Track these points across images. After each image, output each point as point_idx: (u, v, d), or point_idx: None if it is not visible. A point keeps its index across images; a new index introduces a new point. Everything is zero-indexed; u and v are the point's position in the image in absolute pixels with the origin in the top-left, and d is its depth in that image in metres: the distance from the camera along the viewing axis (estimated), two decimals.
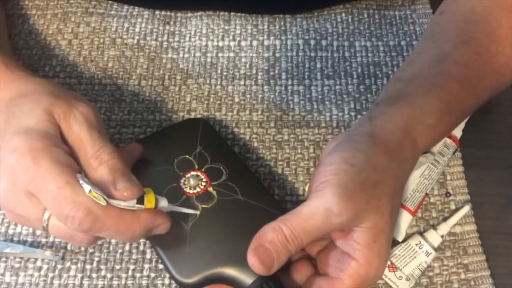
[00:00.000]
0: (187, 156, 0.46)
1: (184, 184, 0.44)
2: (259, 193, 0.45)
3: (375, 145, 0.40)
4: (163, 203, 0.39)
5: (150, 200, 0.38)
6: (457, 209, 0.48)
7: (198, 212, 0.42)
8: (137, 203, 0.37)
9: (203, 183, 0.44)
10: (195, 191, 0.44)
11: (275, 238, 0.37)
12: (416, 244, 0.46)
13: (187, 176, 0.45)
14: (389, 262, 0.45)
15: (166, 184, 0.44)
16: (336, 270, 0.39)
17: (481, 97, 0.46)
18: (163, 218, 0.39)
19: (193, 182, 0.44)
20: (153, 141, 0.48)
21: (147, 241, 0.46)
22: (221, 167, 0.45)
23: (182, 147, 0.47)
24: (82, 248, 0.46)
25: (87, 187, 0.35)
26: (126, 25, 0.59)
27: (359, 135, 0.41)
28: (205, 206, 0.43)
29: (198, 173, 0.45)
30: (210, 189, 0.44)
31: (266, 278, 0.39)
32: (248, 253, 0.38)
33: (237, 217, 0.43)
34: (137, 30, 0.59)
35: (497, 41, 0.46)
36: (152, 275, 0.45)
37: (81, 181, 0.35)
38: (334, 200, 0.37)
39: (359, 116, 0.53)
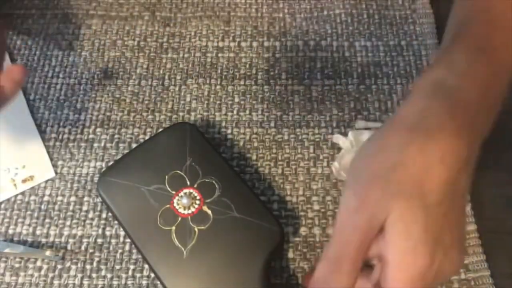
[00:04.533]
0: (178, 172, 0.45)
1: (178, 204, 0.44)
2: (254, 207, 0.44)
3: (391, 125, 0.36)
4: None
5: None
6: None
7: None
8: None
9: (197, 202, 0.44)
10: (189, 212, 0.43)
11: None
12: None
13: (179, 194, 0.44)
14: None
15: (160, 205, 0.44)
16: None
17: None
18: None
19: (187, 202, 0.44)
20: (141, 154, 0.47)
21: None
22: (214, 181, 0.45)
23: (171, 160, 0.46)
24: (82, 248, 0.46)
25: None
26: (126, 27, 0.59)
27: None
28: (201, 227, 0.43)
29: (191, 191, 0.44)
30: (205, 207, 0.44)
31: None
32: None
33: (234, 236, 0.42)
34: (137, 32, 0.59)
35: None
36: (152, 275, 0.45)
37: None
38: (349, 198, 0.35)
39: (359, 116, 0.53)
